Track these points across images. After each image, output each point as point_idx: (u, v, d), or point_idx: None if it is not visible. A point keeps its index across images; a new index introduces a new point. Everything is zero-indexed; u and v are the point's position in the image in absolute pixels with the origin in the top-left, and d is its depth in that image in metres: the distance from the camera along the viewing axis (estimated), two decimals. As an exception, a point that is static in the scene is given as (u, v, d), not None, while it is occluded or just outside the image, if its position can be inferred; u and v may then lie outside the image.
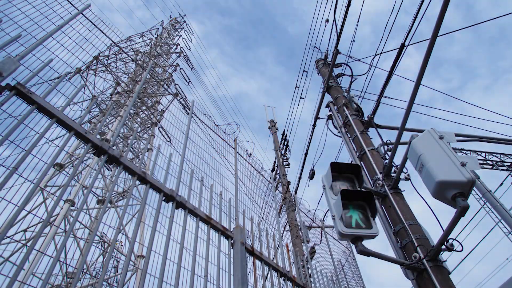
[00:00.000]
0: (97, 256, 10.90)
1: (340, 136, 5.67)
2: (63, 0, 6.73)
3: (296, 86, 9.76)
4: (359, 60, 6.62)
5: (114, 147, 2.56)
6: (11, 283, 1.66)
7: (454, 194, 2.78)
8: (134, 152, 13.28)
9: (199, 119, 5.74)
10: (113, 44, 12.41)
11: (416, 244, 3.42)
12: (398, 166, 4.00)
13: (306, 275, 4.88)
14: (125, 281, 9.66)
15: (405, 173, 4.03)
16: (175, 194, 2.86)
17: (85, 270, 9.93)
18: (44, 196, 9.08)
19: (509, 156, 12.01)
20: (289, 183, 10.16)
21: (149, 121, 14.28)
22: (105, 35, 9.03)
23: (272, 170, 11.42)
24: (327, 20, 7.74)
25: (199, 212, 3.02)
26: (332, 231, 9.37)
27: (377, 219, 3.59)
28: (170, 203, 2.84)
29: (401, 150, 4.05)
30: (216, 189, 3.71)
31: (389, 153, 4.25)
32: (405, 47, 4.71)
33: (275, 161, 11.41)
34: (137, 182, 2.71)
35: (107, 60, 13.99)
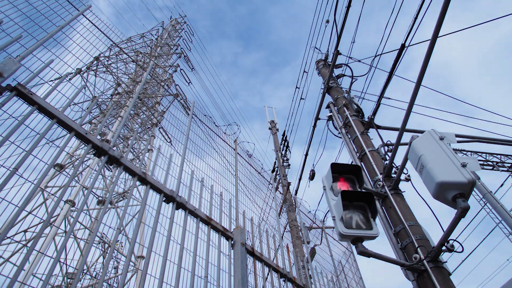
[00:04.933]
0: (98, 256, 10.90)
1: (340, 137, 5.67)
2: (63, 1, 6.73)
3: (296, 87, 9.77)
4: (359, 61, 6.63)
5: (115, 148, 2.57)
6: (12, 283, 1.66)
7: (454, 195, 2.77)
8: (134, 153, 13.29)
9: (200, 119, 5.74)
10: (114, 44, 12.43)
11: (417, 245, 3.42)
12: (399, 167, 4.00)
13: (306, 276, 4.87)
14: (125, 281, 9.66)
15: (405, 174, 4.03)
16: (176, 195, 2.86)
17: (85, 271, 9.93)
18: (45, 197, 9.08)
19: (509, 157, 12.00)
20: (289, 183, 10.16)
21: (150, 122, 14.28)
22: (106, 35, 9.05)
23: (273, 171, 11.42)
24: (327, 21, 7.75)
25: (199, 213, 3.02)
26: (333, 232, 9.38)
27: (377, 220, 3.58)
28: (171, 204, 2.84)
29: (401, 151, 4.06)
30: (216, 190, 3.71)
31: (390, 154, 4.24)
32: (405, 48, 4.71)
33: (275, 162, 11.41)
34: (138, 183, 2.71)
35: (107, 60, 14.01)
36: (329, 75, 6.57)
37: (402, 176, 4.03)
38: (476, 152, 11.87)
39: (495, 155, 12.10)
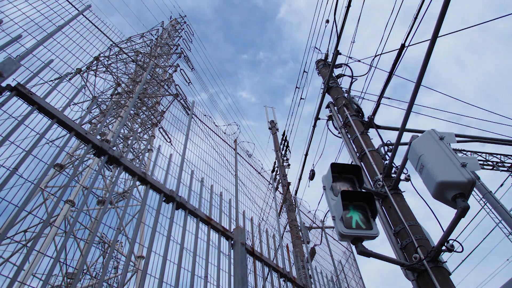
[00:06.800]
0: (97, 256, 10.91)
1: (340, 137, 5.67)
2: (63, 1, 6.73)
3: (296, 87, 9.77)
4: (359, 61, 6.63)
5: (115, 148, 2.57)
6: (12, 283, 1.66)
7: (454, 195, 2.77)
8: (134, 153, 13.29)
9: (200, 119, 5.74)
10: (114, 44, 12.43)
11: (417, 245, 3.42)
12: (399, 166, 4.00)
13: (306, 275, 4.87)
14: (125, 281, 9.66)
15: (405, 173, 4.03)
16: (175, 195, 2.86)
17: (85, 271, 9.93)
18: (44, 197, 9.08)
19: (509, 156, 12.01)
20: (289, 183, 10.16)
21: (149, 122, 14.28)
22: (106, 35, 9.04)
23: (272, 171, 11.42)
24: (327, 21, 7.75)
25: (199, 213, 3.02)
26: (333, 231, 9.37)
27: (377, 219, 3.58)
28: (170, 204, 2.84)
29: (401, 151, 4.06)
30: (216, 190, 3.71)
31: (390, 153, 4.24)
32: (405, 48, 4.71)
33: (275, 162, 11.41)
34: (138, 183, 2.71)
35: (107, 60, 14.01)
36: (329, 75, 6.57)
37: (402, 176, 4.03)
38: (476, 152, 11.88)
39: (495, 155, 12.11)
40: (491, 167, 11.94)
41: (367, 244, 3.41)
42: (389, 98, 5.79)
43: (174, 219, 2.76)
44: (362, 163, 4.81)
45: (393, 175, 4.20)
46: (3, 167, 2.07)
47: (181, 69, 18.46)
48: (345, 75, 6.70)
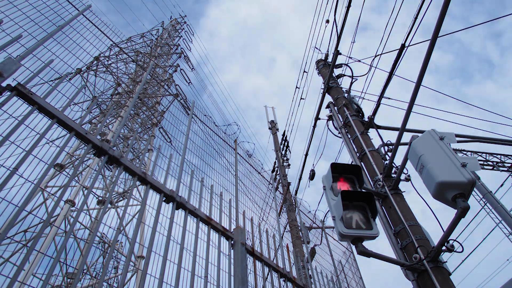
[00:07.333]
0: (98, 256, 10.91)
1: (340, 137, 5.67)
2: (63, 1, 6.73)
3: (296, 87, 9.77)
4: (359, 61, 6.62)
5: (115, 148, 2.57)
6: (12, 283, 1.66)
7: (454, 195, 2.77)
8: (134, 153, 13.29)
9: (200, 119, 5.74)
10: (114, 44, 12.43)
11: (417, 245, 3.42)
12: (399, 167, 4.00)
13: (306, 276, 4.87)
14: (125, 281, 9.66)
15: (405, 174, 4.03)
16: (175, 195, 2.86)
17: (85, 271, 9.93)
18: (45, 197, 9.08)
19: (509, 157, 12.01)
20: (289, 183, 10.16)
21: (150, 122, 14.28)
22: (106, 35, 9.03)
23: (273, 171, 11.42)
24: (327, 21, 7.75)
25: (199, 213, 3.02)
26: (333, 232, 9.38)
27: (377, 219, 3.58)
28: (170, 204, 2.84)
29: (401, 151, 4.05)
30: (216, 190, 3.71)
31: (390, 154, 4.24)
32: (405, 48, 4.71)
33: (275, 162, 11.41)
34: (138, 183, 2.71)
35: (107, 60, 14.01)
36: (329, 75, 6.57)
37: (402, 176, 4.03)
38: (476, 152, 11.88)
39: (495, 155, 12.10)
40: (491, 167, 11.94)
41: (367, 244, 3.41)
42: (389, 98, 5.79)
43: (174, 219, 2.76)
44: (362, 163, 4.81)
45: (393, 175, 4.20)
46: (3, 167, 2.07)
47: (181, 69, 18.48)
48: (345, 75, 6.70)
